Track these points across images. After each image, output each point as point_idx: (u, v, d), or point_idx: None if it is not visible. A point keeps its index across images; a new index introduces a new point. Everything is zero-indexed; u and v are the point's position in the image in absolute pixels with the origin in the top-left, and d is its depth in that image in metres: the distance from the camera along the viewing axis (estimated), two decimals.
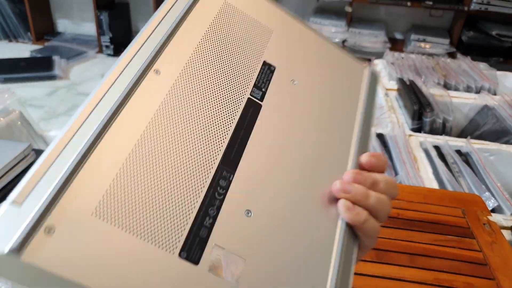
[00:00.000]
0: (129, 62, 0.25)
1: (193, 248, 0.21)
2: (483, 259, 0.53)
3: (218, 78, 0.27)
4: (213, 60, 0.28)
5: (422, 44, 2.38)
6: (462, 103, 1.22)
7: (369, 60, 1.46)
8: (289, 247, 0.24)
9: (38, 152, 0.85)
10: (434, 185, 0.78)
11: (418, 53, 2.01)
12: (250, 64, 0.29)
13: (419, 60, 1.46)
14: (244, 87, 0.28)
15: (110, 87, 0.23)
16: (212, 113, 0.26)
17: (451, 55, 2.28)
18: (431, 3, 2.30)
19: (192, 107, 0.25)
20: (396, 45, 2.49)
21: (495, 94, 1.29)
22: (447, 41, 2.37)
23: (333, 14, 2.54)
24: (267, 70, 0.30)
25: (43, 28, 2.99)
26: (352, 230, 0.27)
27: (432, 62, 1.45)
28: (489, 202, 0.72)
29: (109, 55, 2.79)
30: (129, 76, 0.24)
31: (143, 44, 0.26)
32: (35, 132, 1.09)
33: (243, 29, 0.30)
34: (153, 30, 0.26)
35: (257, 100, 0.28)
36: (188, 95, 0.25)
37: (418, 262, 0.51)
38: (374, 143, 0.96)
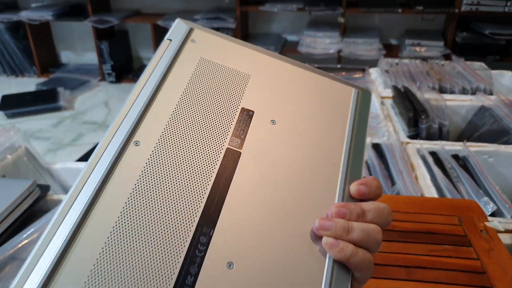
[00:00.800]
0: (111, 139, 0.27)
1: None
2: (480, 267, 0.53)
3: (196, 135, 0.29)
4: (190, 119, 0.29)
5: (417, 48, 2.39)
6: (458, 105, 1.22)
7: (363, 70, 1.48)
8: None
9: (43, 188, 0.88)
10: (433, 192, 0.78)
11: (414, 57, 2.02)
12: (227, 114, 0.30)
13: (413, 65, 1.48)
14: (223, 139, 0.29)
15: (95, 166, 0.26)
16: (191, 171, 0.27)
17: (447, 57, 2.29)
18: (421, 8, 2.32)
19: (171, 169, 0.27)
20: (391, 51, 2.51)
21: (491, 94, 1.29)
22: (441, 43, 2.39)
23: (327, 25, 2.58)
24: (245, 117, 0.31)
25: (48, 61, 3.07)
26: (342, 265, 0.27)
27: (426, 67, 1.47)
28: (488, 206, 0.72)
29: (111, 82, 2.85)
30: (110, 153, 0.26)
31: (126, 115, 0.28)
32: (41, 165, 1.11)
33: (219, 82, 0.32)
34: (134, 101, 0.29)
35: (236, 149, 0.29)
36: (166, 159, 0.27)
37: (415, 274, 0.52)
38: (370, 153, 0.96)
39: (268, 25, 2.83)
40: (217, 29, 2.72)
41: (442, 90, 1.31)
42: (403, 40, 2.50)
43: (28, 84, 2.84)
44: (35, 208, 0.85)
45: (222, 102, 0.31)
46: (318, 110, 0.33)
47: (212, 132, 0.29)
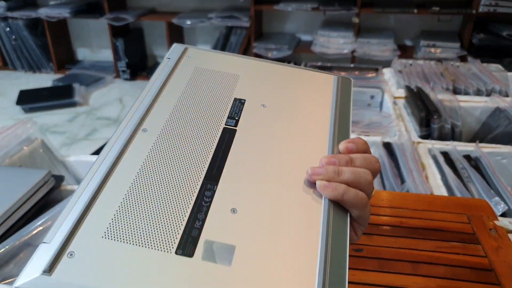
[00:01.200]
0: (124, 127, 0.32)
1: (187, 245, 0.25)
2: (488, 264, 0.52)
3: (196, 120, 0.33)
4: (190, 109, 0.34)
5: (432, 50, 2.37)
6: (473, 106, 1.21)
7: (377, 69, 1.47)
8: (277, 228, 0.27)
9: (58, 178, 0.90)
10: (443, 191, 0.78)
11: (429, 58, 2.00)
12: (222, 103, 0.35)
13: (428, 66, 1.46)
14: (219, 121, 0.34)
15: (111, 148, 0.31)
16: (193, 144, 0.31)
17: (463, 59, 2.26)
18: (438, 8, 2.29)
19: (175, 144, 0.31)
20: (406, 52, 2.48)
21: (506, 96, 1.27)
22: (457, 45, 2.35)
23: (341, 25, 2.57)
24: (238, 104, 0.36)
25: (64, 57, 3.13)
26: (339, 205, 0.29)
27: (440, 68, 1.45)
28: (499, 206, 0.71)
29: (125, 79, 2.89)
30: (123, 138, 0.31)
31: (136, 110, 0.34)
32: (56, 158, 1.14)
33: (213, 82, 0.37)
34: (143, 99, 0.35)
35: (231, 127, 0.33)
36: (171, 137, 0.32)
37: (421, 270, 0.52)
38: (381, 152, 0.96)
39: (282, 24, 2.83)
40: (231, 27, 2.74)
41: (456, 91, 1.30)
42: (418, 41, 2.47)
43: (45, 80, 2.90)
44: (49, 197, 0.87)
45: (217, 95, 0.36)
46: (304, 93, 0.38)
47: (210, 117, 0.34)
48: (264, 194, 0.29)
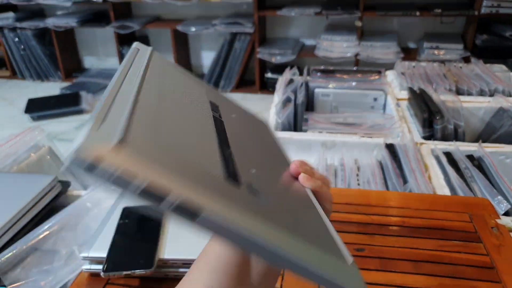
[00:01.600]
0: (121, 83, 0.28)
1: (232, 176, 0.26)
2: (489, 262, 0.52)
3: (184, 104, 0.34)
4: (176, 97, 0.34)
5: (436, 51, 2.36)
6: (476, 107, 1.20)
7: (380, 72, 1.47)
8: (291, 191, 0.32)
9: (64, 183, 0.92)
10: (446, 191, 0.78)
11: (432, 60, 2.00)
12: (201, 100, 0.37)
13: (430, 68, 1.46)
14: (206, 109, 0.35)
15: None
16: (193, 117, 0.32)
17: (466, 60, 2.25)
18: (440, 10, 2.30)
19: (179, 110, 0.31)
20: (409, 54, 2.48)
21: (510, 95, 1.26)
22: (460, 46, 2.35)
23: (344, 29, 2.58)
24: (214, 106, 0.38)
25: (71, 66, 3.18)
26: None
27: (443, 69, 1.45)
28: (502, 205, 0.71)
29: None
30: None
31: (121, 83, 0.29)
32: (63, 164, 1.15)
33: (185, 82, 0.38)
34: (123, 77, 0.29)
35: (220, 118, 0.36)
36: (172, 105, 0.31)
37: (422, 268, 0.52)
38: (383, 153, 0.96)
39: (286, 29, 2.85)
40: (235, 34, 2.77)
41: (459, 92, 1.30)
42: (421, 43, 2.47)
43: (52, 88, 2.95)
44: (56, 202, 0.88)
45: (193, 93, 0.37)
46: (254, 123, 0.44)
47: (196, 104, 0.35)
48: (267, 165, 0.34)
